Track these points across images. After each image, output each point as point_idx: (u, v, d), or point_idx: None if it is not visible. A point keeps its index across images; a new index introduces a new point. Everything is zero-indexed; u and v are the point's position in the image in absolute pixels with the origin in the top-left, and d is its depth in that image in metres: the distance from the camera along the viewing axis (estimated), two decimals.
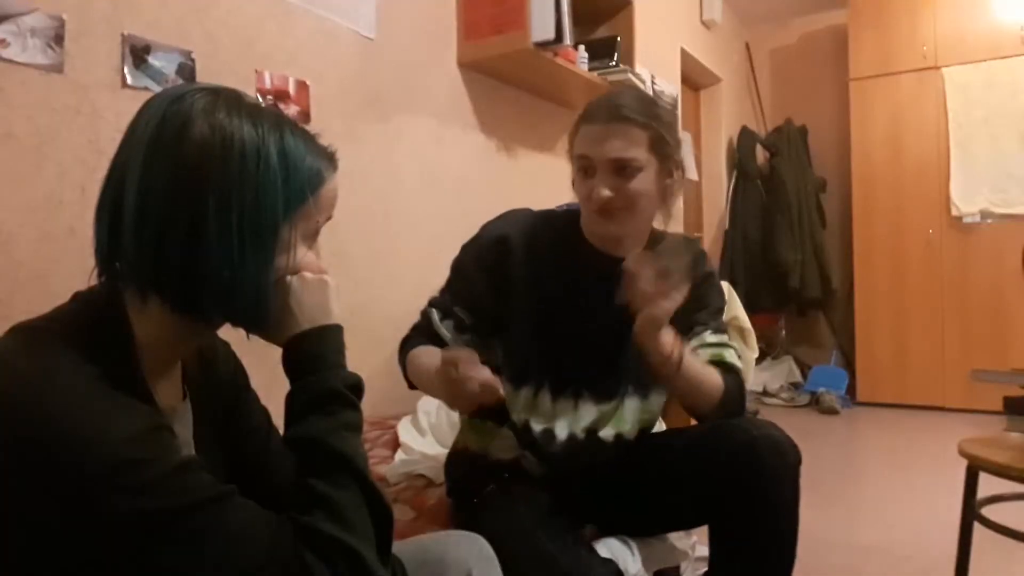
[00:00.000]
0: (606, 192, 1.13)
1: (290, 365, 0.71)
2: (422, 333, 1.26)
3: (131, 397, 0.59)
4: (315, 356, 0.70)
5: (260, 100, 0.70)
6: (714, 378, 1.19)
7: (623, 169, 1.14)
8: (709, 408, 1.19)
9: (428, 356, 1.15)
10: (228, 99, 0.65)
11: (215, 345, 0.83)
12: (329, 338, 0.71)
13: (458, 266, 1.29)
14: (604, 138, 1.13)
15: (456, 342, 1.23)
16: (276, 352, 0.73)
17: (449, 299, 1.27)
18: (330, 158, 0.72)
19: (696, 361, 1.18)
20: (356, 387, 0.71)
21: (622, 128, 1.13)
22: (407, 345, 1.26)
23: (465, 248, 1.30)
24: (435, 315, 1.26)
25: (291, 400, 0.70)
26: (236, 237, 0.62)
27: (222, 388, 0.82)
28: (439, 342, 1.23)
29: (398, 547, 0.85)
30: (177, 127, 0.61)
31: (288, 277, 0.70)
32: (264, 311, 0.67)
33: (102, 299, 0.64)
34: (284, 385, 0.73)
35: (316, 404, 0.68)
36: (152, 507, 0.54)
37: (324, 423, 0.68)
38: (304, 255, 0.70)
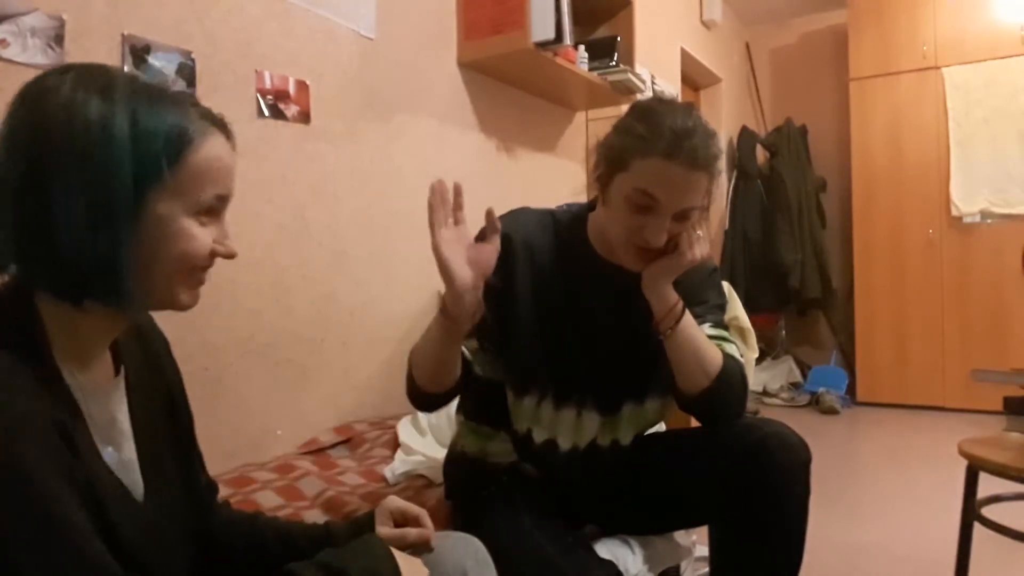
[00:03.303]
0: (665, 237, 1.07)
1: (343, 543, 0.76)
2: None
3: (29, 380, 0.58)
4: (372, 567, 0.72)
5: (126, 70, 0.67)
6: (715, 352, 1.15)
7: (684, 214, 1.07)
8: (706, 382, 1.13)
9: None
10: (79, 74, 0.63)
11: (152, 334, 0.83)
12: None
13: None
14: (684, 187, 1.03)
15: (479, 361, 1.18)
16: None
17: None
18: (213, 122, 0.68)
19: (699, 331, 1.16)
20: None
21: (702, 178, 1.04)
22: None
23: None
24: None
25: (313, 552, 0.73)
26: (84, 218, 0.60)
27: (163, 374, 0.81)
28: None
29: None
30: (26, 112, 0.61)
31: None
32: (123, 290, 0.63)
33: (9, 287, 0.63)
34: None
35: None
36: None
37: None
38: (189, 230, 0.65)
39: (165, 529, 0.72)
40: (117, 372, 0.73)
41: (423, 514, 0.89)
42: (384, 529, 0.87)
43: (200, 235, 0.66)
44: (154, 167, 0.62)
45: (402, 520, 0.89)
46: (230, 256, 0.70)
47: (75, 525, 0.57)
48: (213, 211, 0.68)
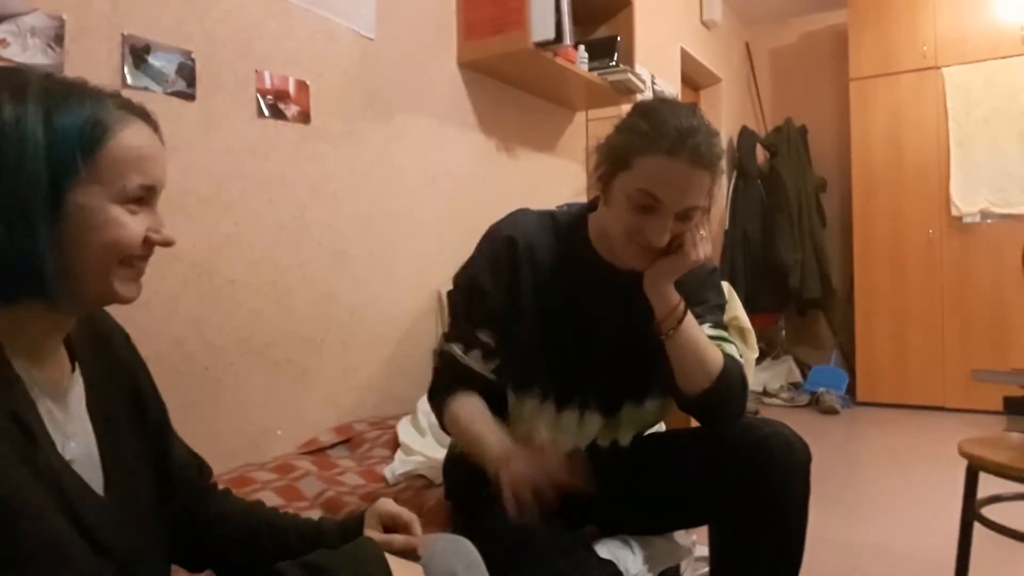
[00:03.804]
0: (668, 237, 1.06)
1: (334, 544, 0.79)
2: (449, 376, 1.20)
3: None
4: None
5: (35, 70, 0.66)
6: (716, 352, 1.15)
7: (687, 213, 1.06)
8: (707, 382, 1.13)
9: (468, 416, 1.15)
10: None
11: (108, 327, 0.82)
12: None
13: (471, 283, 1.21)
14: (686, 186, 1.03)
15: (485, 371, 1.19)
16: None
17: (467, 326, 1.19)
18: (134, 112, 0.68)
19: (700, 331, 1.16)
20: None
21: (704, 176, 1.04)
22: (438, 394, 1.20)
23: (473, 262, 1.23)
24: (457, 350, 1.19)
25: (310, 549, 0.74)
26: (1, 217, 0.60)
27: (124, 367, 0.80)
28: (470, 377, 1.18)
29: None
30: None
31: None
32: (51, 285, 0.63)
33: None
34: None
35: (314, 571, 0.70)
36: None
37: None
38: (117, 219, 0.65)
39: (130, 522, 0.71)
40: (74, 368, 0.73)
41: (414, 521, 0.88)
42: (372, 533, 0.86)
43: (130, 223, 0.66)
44: (69, 160, 0.63)
45: (392, 525, 0.88)
46: (167, 244, 0.70)
47: (38, 509, 0.56)
48: (142, 200, 0.68)
